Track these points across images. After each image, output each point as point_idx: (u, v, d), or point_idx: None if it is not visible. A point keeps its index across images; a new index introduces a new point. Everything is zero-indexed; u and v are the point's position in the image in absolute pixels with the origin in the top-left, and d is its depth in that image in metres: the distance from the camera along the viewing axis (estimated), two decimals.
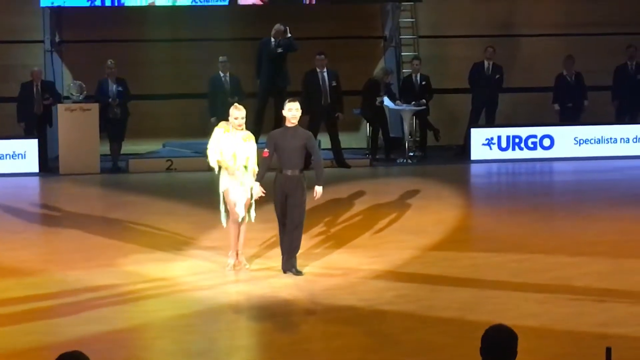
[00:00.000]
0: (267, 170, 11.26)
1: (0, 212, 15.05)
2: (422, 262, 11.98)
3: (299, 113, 11.29)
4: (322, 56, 19.07)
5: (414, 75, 20.11)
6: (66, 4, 19.34)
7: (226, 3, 19.73)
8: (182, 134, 19.90)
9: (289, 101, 11.39)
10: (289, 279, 11.23)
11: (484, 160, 19.46)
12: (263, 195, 11.29)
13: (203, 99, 19.29)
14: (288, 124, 11.28)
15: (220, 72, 19.13)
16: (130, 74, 19.30)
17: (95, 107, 18.58)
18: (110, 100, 18.77)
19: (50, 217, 14.96)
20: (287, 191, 11.18)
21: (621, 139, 19.88)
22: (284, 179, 11.18)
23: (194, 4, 19.66)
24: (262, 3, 19.79)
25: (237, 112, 11.45)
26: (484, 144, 19.65)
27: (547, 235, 13.34)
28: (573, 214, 14.76)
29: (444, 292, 10.69)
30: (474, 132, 19.69)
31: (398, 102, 19.59)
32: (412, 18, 21.33)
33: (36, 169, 18.43)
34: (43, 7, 19.48)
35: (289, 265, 11.36)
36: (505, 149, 19.70)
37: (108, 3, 19.29)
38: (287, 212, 11.21)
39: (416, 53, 20.87)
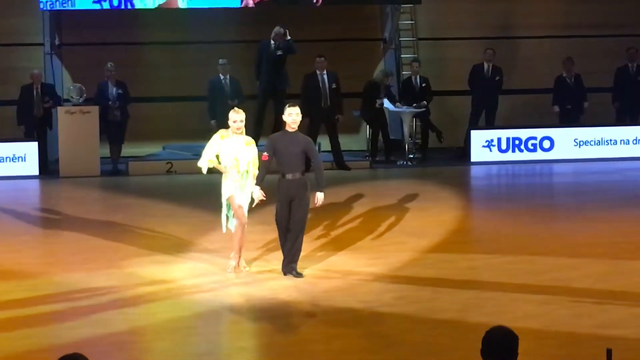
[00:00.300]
0: (266, 174, 11.26)
1: (0, 215, 15.05)
2: (422, 264, 11.99)
3: (299, 118, 11.29)
4: (322, 58, 19.07)
5: (413, 78, 20.11)
6: (75, 7, 19.27)
7: (238, 5, 19.72)
8: (182, 137, 19.89)
9: (289, 106, 11.39)
10: (289, 281, 11.24)
11: (484, 162, 19.45)
12: (264, 199, 11.29)
13: (203, 102, 19.29)
14: (288, 128, 11.28)
15: (220, 74, 19.14)
16: (130, 77, 19.31)
17: (95, 109, 18.58)
18: (110, 102, 18.77)
19: (50, 220, 14.97)
20: (292, 195, 11.19)
21: (621, 140, 19.88)
22: (287, 184, 11.19)
23: (205, 6, 19.63)
24: (253, 6, 19.75)
25: (236, 116, 11.45)
26: (484, 145, 19.65)
27: (547, 237, 13.34)
28: (573, 216, 14.77)
29: (444, 294, 10.69)
30: (474, 134, 19.70)
31: (398, 104, 19.59)
32: (411, 20, 21.33)
33: (36, 172, 18.43)
34: (43, 10, 19.47)
35: (290, 267, 11.36)
36: (505, 151, 19.70)
37: (116, 4, 19.28)
38: (291, 215, 11.22)
39: (416, 55, 20.88)
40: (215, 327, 9.98)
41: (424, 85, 20.02)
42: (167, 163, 18.95)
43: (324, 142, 18.98)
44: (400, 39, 21.25)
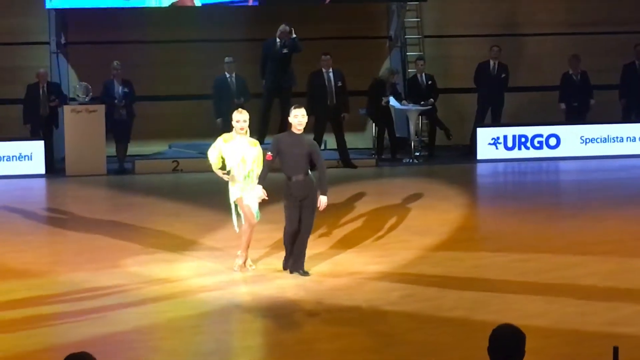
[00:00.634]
0: (268, 173, 11.24)
1: (7, 214, 15.07)
2: (428, 262, 11.98)
3: (305, 119, 11.23)
4: (328, 56, 19.06)
5: (419, 75, 20.09)
6: (85, 5, 19.30)
7: (256, 4, 19.75)
8: (188, 135, 19.90)
9: (295, 107, 11.34)
10: (295, 279, 11.24)
11: (490, 160, 19.43)
12: (266, 198, 11.29)
13: (209, 100, 19.28)
14: (294, 130, 11.24)
15: (226, 72, 19.13)
16: (136, 75, 19.30)
17: (101, 108, 18.59)
18: (116, 101, 18.78)
19: (56, 219, 14.97)
20: (301, 195, 11.18)
21: (627, 137, 19.84)
22: (295, 186, 11.17)
23: (221, 1, 19.66)
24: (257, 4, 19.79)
25: (240, 116, 11.44)
26: (490, 143, 19.62)
27: (553, 235, 13.33)
28: (579, 214, 14.74)
29: (450, 292, 10.69)
30: (480, 131, 19.67)
31: (404, 101, 19.59)
32: (417, 18, 21.32)
33: (42, 171, 18.44)
34: (49, 9, 19.49)
35: (297, 266, 11.37)
36: (512, 149, 19.67)
37: (123, 4, 19.30)
38: (300, 215, 11.23)
39: (421, 53, 20.86)
40: (221, 326, 9.98)
41: (430, 82, 20.00)
42: (173, 161, 18.95)
43: (330, 140, 18.96)
44: (406, 36, 21.24)
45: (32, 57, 20.15)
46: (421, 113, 19.73)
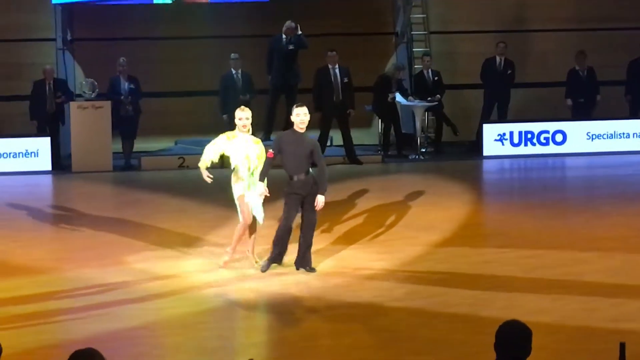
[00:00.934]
0: (269, 170, 11.24)
1: (13, 211, 15.09)
2: (434, 258, 11.98)
3: (307, 118, 11.23)
4: (334, 53, 19.04)
5: (425, 72, 20.07)
6: (97, 1, 19.34)
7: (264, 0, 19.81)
8: (194, 132, 19.89)
9: (297, 106, 11.34)
10: (300, 276, 11.24)
11: (497, 156, 19.41)
12: (267, 195, 11.30)
13: (215, 96, 19.29)
14: (296, 128, 11.25)
15: (232, 69, 19.13)
16: (142, 72, 19.32)
17: (107, 104, 18.61)
18: (122, 97, 18.80)
19: (63, 215, 14.99)
20: (305, 194, 11.18)
21: (634, 134, 19.80)
22: (298, 184, 11.17)
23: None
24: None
25: (242, 113, 11.47)
26: (496, 139, 19.60)
27: (558, 231, 13.31)
28: (585, 210, 14.72)
29: (455, 289, 10.68)
30: (486, 127, 19.65)
31: (410, 98, 19.57)
32: (423, 14, 21.30)
33: (49, 167, 18.46)
34: (55, 5, 19.50)
35: (304, 262, 11.37)
36: (518, 145, 19.65)
37: (130, 0, 19.32)
38: (304, 214, 11.25)
39: (427, 49, 20.84)
40: (226, 322, 9.98)
41: (436, 78, 19.99)
42: (179, 158, 18.97)
43: (336, 136, 18.94)
44: (412, 32, 21.22)
45: (38, 53, 20.17)
46: (427, 109, 19.72)
